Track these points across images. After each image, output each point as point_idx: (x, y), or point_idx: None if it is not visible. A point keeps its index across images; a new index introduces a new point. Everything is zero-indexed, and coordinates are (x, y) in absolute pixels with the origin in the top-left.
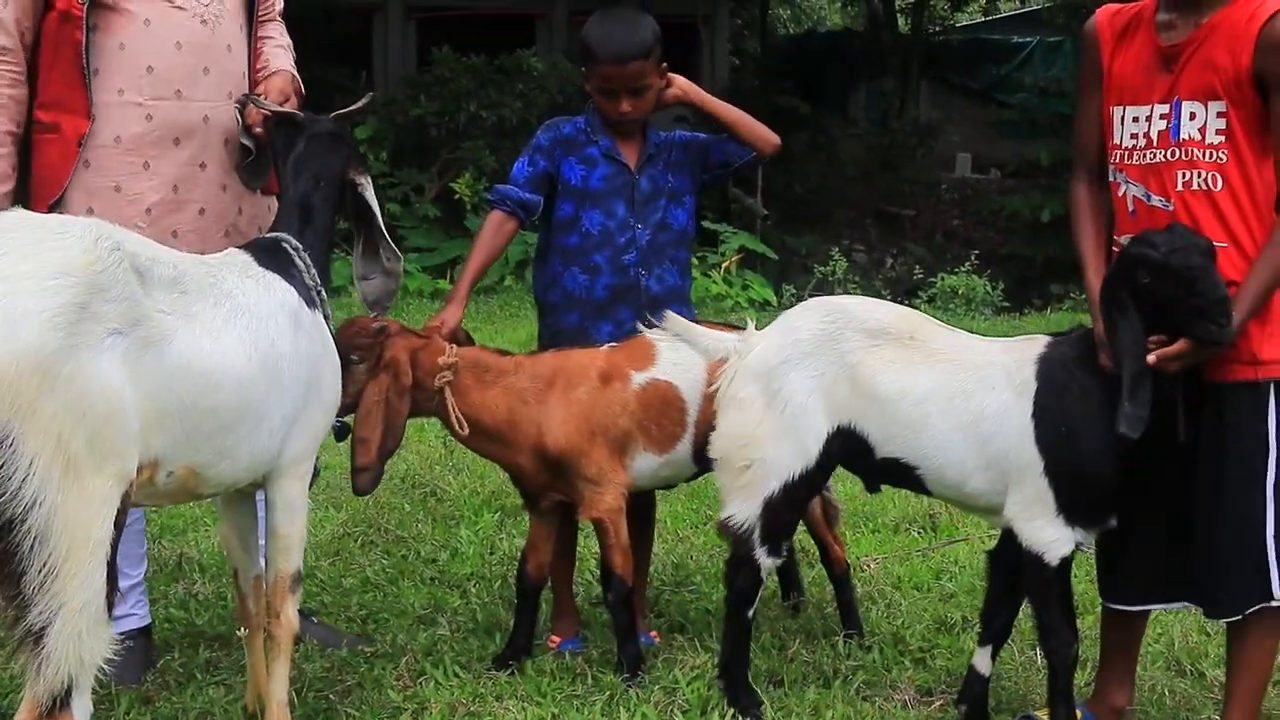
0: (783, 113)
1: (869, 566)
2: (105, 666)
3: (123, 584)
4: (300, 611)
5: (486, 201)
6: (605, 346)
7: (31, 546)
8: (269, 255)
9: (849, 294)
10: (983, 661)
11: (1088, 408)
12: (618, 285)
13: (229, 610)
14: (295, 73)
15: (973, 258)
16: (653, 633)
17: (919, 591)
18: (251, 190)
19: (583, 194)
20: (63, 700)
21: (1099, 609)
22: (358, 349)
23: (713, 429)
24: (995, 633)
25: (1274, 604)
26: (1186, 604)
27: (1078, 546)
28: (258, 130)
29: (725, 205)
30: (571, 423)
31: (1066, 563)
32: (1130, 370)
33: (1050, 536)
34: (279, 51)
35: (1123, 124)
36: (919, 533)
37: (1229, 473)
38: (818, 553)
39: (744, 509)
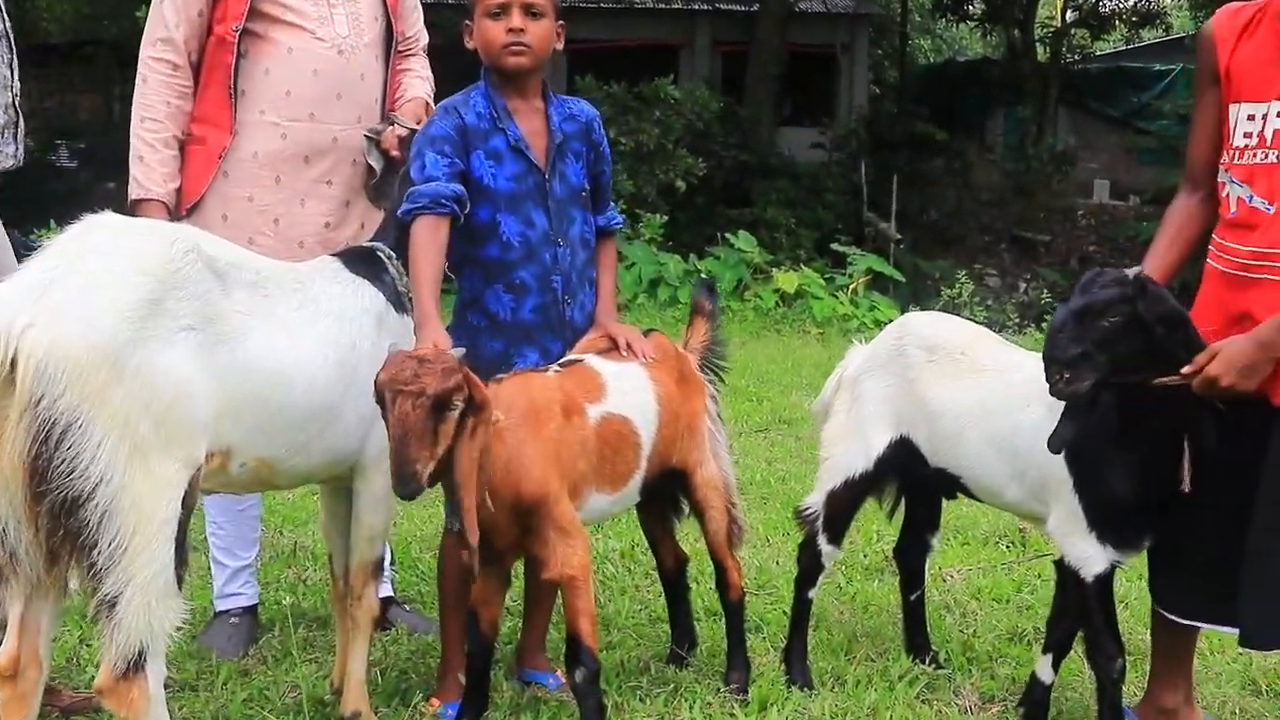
0: (919, 139)
1: (951, 577)
2: (211, 642)
3: (233, 565)
4: (394, 599)
5: (406, 211)
6: (551, 371)
7: (100, 522)
8: (361, 262)
9: (975, 317)
10: (1044, 669)
11: (1111, 427)
12: (546, 309)
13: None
14: (430, 100)
15: None
16: (558, 671)
17: (997, 603)
18: (378, 207)
19: (496, 196)
20: (136, 664)
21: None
22: (459, 389)
23: (665, 460)
24: (1057, 641)
25: None
26: (1234, 629)
27: (1115, 565)
28: (394, 153)
29: (858, 228)
30: (548, 464)
31: (1104, 580)
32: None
33: (1085, 553)
34: (417, 82)
35: (1238, 123)
36: (1007, 547)
37: None
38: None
39: (815, 499)
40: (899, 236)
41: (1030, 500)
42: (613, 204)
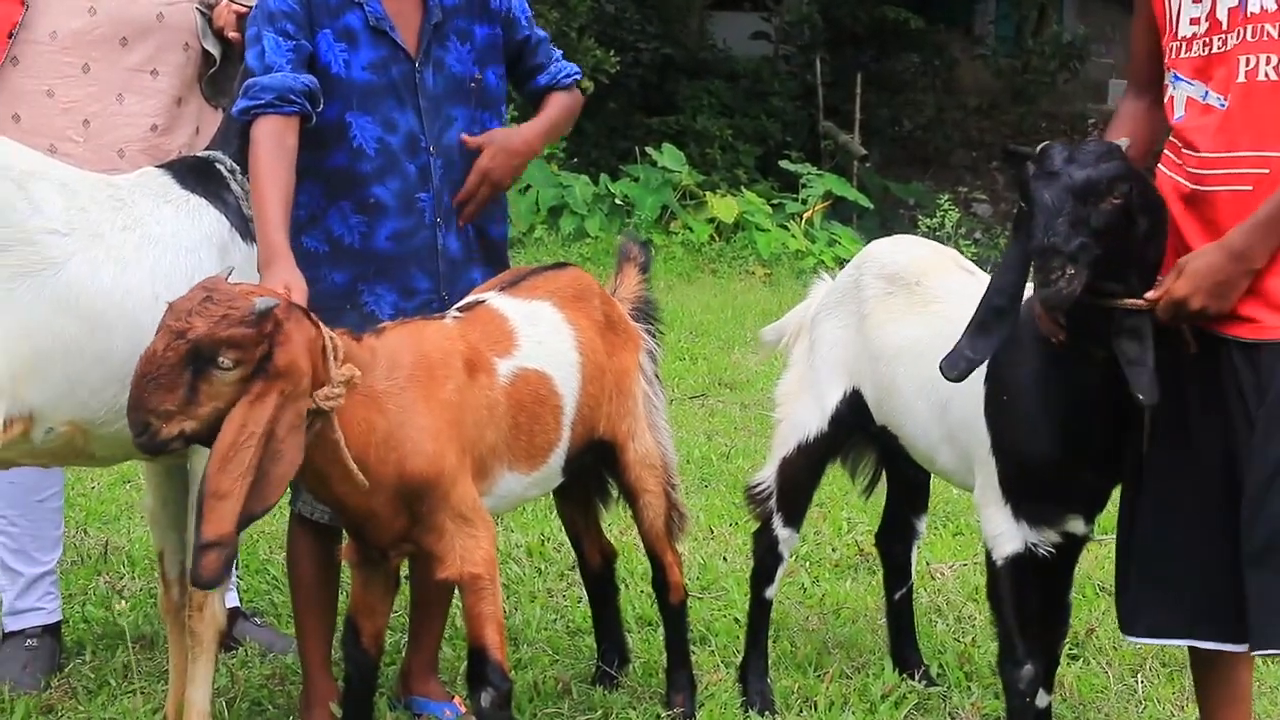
0: (889, 28)
1: (942, 574)
2: (2, 672)
3: (29, 572)
4: (242, 611)
5: (244, 110)
6: (449, 317)
7: None
8: (196, 177)
9: (962, 252)
10: None
11: (1029, 375)
12: (409, 236)
13: (158, 608)
14: None
15: None
16: (455, 699)
17: None
18: (215, 106)
19: (347, 89)
20: None
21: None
22: (232, 345)
23: (591, 429)
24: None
25: None
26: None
27: (1031, 548)
28: (231, 34)
29: (813, 142)
30: (444, 435)
31: (1015, 563)
32: (985, 303)
33: (997, 528)
34: None
35: (1181, 7)
36: None
37: None
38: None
39: (767, 472)
40: (864, 152)
41: (963, 470)
42: (557, 57)
